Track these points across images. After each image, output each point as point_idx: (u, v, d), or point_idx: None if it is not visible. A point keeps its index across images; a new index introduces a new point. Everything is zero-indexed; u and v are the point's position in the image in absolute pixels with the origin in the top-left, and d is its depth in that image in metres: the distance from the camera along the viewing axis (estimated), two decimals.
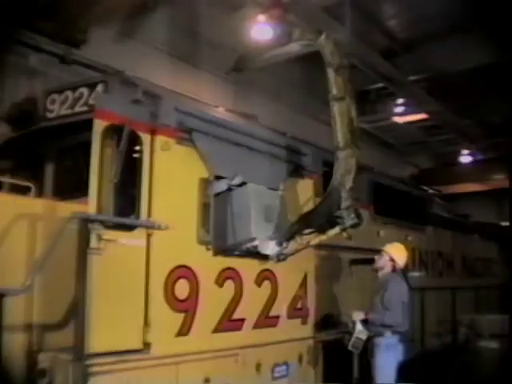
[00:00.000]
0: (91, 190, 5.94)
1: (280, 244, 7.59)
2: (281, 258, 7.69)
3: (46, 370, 5.76)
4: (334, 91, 7.49)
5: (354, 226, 7.48)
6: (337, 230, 7.55)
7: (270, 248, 7.57)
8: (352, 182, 7.42)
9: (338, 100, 7.47)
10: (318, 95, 16.42)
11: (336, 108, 7.46)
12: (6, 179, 7.35)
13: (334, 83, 7.49)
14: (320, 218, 7.63)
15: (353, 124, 7.49)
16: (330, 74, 7.51)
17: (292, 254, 7.76)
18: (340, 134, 7.42)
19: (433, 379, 10.62)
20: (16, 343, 5.86)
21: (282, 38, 8.87)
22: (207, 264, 7.04)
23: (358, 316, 8.42)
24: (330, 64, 7.52)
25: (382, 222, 11.98)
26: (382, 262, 8.73)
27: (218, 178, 7.31)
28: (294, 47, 8.22)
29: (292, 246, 7.72)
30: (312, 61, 10.97)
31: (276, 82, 17.11)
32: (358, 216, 7.45)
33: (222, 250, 7.32)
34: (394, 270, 8.68)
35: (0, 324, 5.34)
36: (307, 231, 7.77)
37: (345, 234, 7.66)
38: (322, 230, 7.72)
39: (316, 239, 7.74)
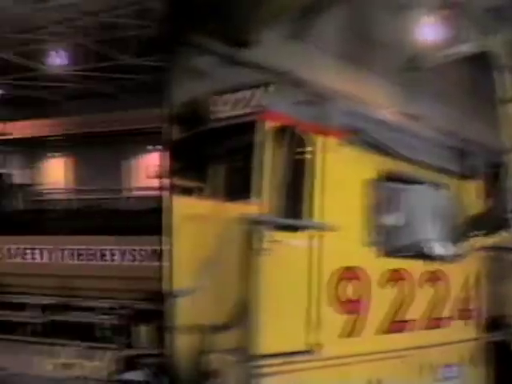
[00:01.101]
0: (260, 191, 6.02)
1: (454, 245, 7.47)
2: (455, 259, 7.56)
3: (217, 371, 5.90)
4: (506, 93, 7.24)
5: None
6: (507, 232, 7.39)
7: (445, 249, 7.47)
8: None
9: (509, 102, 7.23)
10: (488, 98, 15.84)
11: (505, 110, 7.21)
12: (181, 181, 7.55)
13: (507, 85, 7.20)
14: (490, 221, 7.46)
15: None
16: (505, 75, 7.23)
17: (465, 255, 7.64)
18: (508, 137, 7.16)
19: None
20: (186, 343, 6.03)
21: (450, 38, 8.64)
22: (373, 265, 6.94)
23: None
24: (504, 65, 7.25)
25: None
26: None
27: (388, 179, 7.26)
28: (467, 47, 7.98)
29: (465, 247, 7.61)
30: (477, 61, 10.61)
31: (444, 83, 16.59)
32: None
33: (389, 251, 7.21)
34: None
35: (173, 324, 5.51)
36: (478, 233, 7.60)
37: None
38: (492, 232, 7.55)
39: (488, 241, 7.57)
